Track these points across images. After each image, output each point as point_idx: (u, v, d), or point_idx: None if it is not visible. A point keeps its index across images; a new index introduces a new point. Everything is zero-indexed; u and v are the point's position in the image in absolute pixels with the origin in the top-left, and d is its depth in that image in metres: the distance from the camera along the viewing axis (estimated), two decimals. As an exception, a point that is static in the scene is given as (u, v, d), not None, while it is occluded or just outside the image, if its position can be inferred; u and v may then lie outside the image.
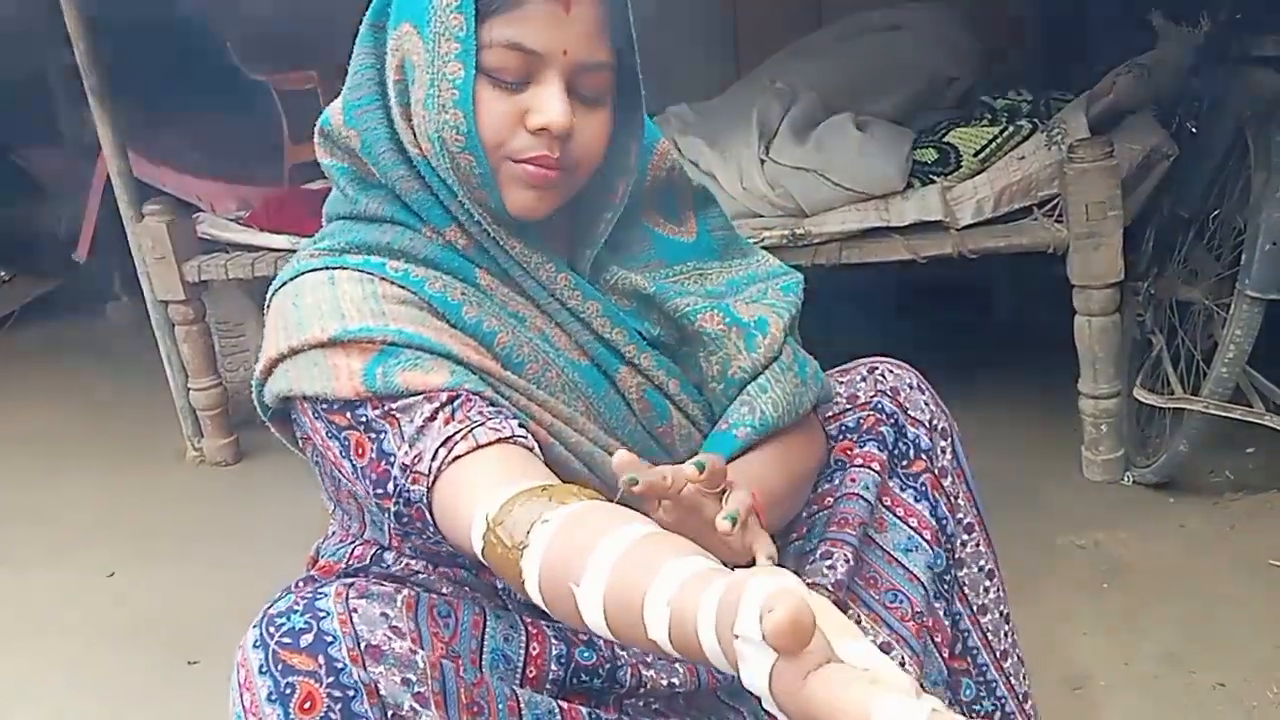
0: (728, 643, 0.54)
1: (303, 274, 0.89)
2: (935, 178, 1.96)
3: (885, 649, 0.99)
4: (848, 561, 1.01)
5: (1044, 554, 1.73)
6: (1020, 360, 2.41)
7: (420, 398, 0.82)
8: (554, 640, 0.90)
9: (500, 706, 0.82)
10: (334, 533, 1.01)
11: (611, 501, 0.73)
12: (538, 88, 0.85)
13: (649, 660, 0.93)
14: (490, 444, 0.80)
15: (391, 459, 0.82)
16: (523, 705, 0.84)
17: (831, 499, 1.04)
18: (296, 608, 0.78)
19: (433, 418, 0.81)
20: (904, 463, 1.05)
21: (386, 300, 0.86)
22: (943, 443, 1.06)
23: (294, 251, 2.17)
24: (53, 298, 3.93)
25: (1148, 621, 1.54)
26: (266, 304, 0.93)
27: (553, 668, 0.88)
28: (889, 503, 1.05)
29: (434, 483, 0.79)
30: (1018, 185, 1.92)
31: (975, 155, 1.95)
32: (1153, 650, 1.48)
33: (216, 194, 2.83)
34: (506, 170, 0.87)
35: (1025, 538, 1.74)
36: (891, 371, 1.08)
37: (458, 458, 0.79)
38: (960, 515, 1.07)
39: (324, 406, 0.84)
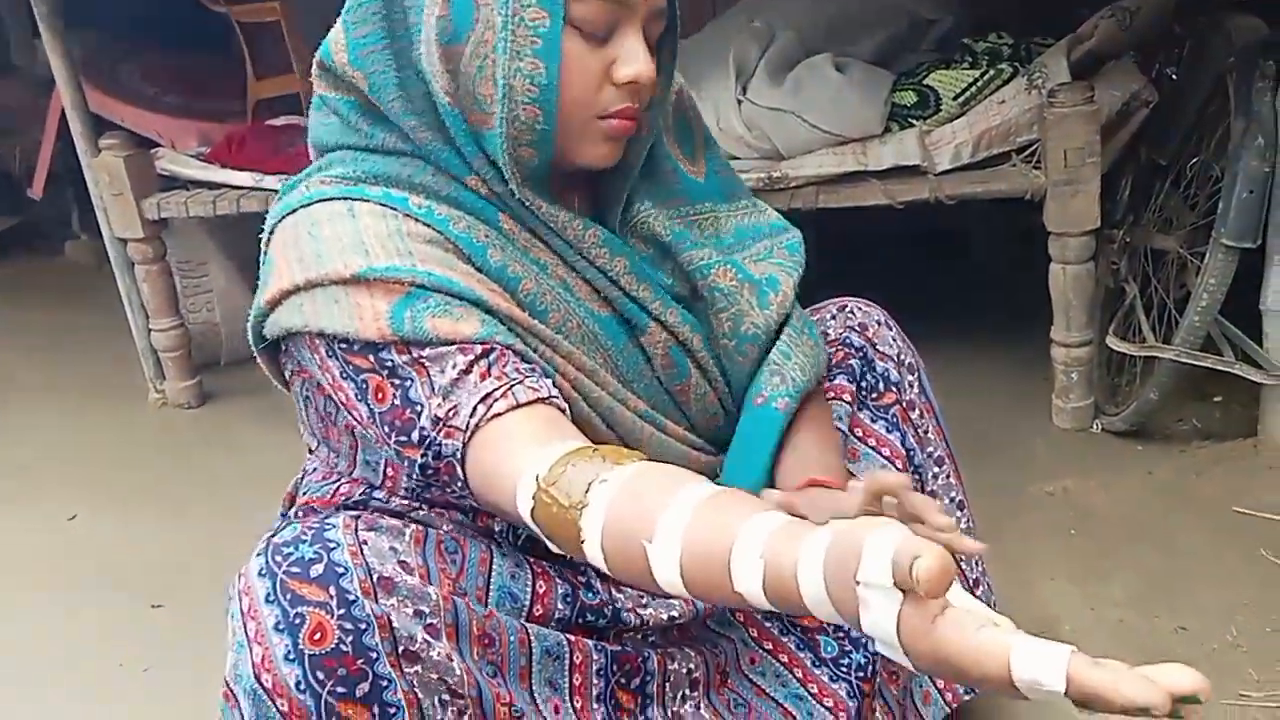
0: (843, 590, 0.56)
1: (316, 202, 0.84)
2: (914, 121, 1.94)
3: None
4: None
5: (1013, 501, 1.75)
6: (992, 308, 2.41)
7: (453, 348, 0.79)
8: (559, 580, 0.89)
9: (511, 638, 0.82)
10: (314, 469, 0.99)
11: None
12: (621, 39, 0.83)
13: (644, 601, 0.94)
14: (529, 403, 0.78)
15: (419, 408, 0.79)
16: (532, 638, 0.84)
17: None
18: (304, 537, 0.76)
19: (468, 370, 0.79)
20: (874, 395, 1.07)
21: (412, 239, 0.82)
22: (910, 377, 1.08)
23: (256, 189, 2.17)
24: (8, 236, 3.83)
25: (1113, 567, 1.56)
26: (268, 229, 0.88)
27: (559, 606, 0.88)
28: (860, 434, 1.07)
29: (470, 439, 0.77)
30: (996, 130, 1.89)
31: (955, 98, 1.92)
32: (1118, 595, 1.49)
33: (177, 130, 2.74)
34: (593, 127, 0.85)
35: (995, 485, 1.74)
36: (860, 309, 1.10)
37: (496, 415, 0.77)
38: (930, 449, 1.08)
39: (342, 346, 0.81)
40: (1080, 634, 1.42)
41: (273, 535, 0.78)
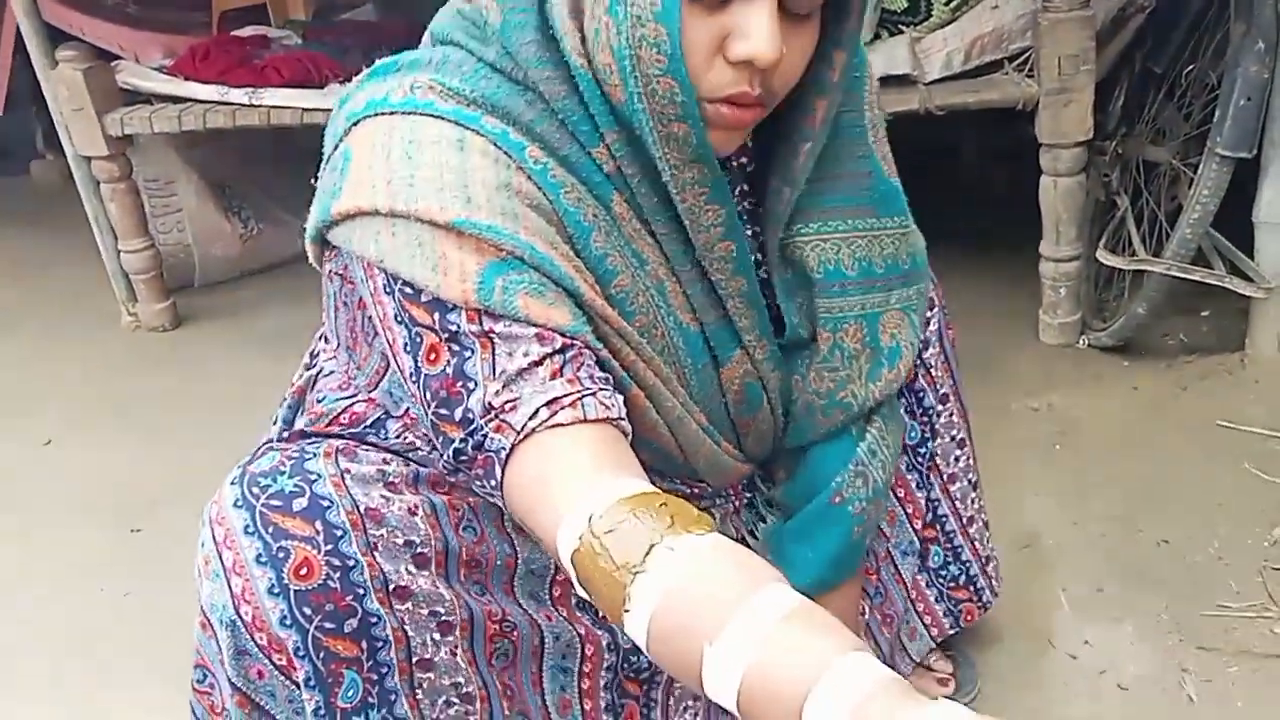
0: None
1: (421, 114, 0.72)
2: (904, 27, 1.87)
3: None
4: None
5: (997, 417, 1.74)
6: (977, 223, 2.37)
7: (531, 332, 0.69)
8: None
9: (499, 562, 0.80)
10: (331, 372, 0.92)
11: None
12: (744, 5, 0.68)
13: None
14: (597, 421, 0.69)
15: (471, 385, 0.69)
16: (519, 561, 0.82)
17: None
18: (283, 468, 0.73)
19: (539, 363, 0.69)
20: None
21: (520, 198, 0.71)
22: (928, 312, 1.02)
23: (222, 103, 2.09)
24: (-30, 157, 3.72)
25: (1097, 481, 1.56)
26: (351, 116, 0.74)
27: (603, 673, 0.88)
28: None
29: (521, 441, 0.68)
30: (989, 37, 1.83)
31: (947, 3, 1.85)
32: (1100, 509, 1.50)
33: (138, 42, 2.64)
34: (699, 111, 0.72)
35: (979, 401, 1.70)
36: None
37: (559, 425, 0.68)
38: (939, 387, 1.05)
39: (406, 291, 0.70)
40: (1061, 548, 1.43)
41: (250, 463, 0.74)
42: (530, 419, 0.68)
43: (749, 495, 0.99)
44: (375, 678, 0.71)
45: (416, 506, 0.76)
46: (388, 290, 0.71)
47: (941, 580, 1.11)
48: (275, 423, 0.95)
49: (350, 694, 0.71)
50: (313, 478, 0.73)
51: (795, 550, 0.92)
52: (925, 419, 1.04)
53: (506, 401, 0.68)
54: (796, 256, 0.85)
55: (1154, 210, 1.84)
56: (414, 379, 0.72)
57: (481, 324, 0.69)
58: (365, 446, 0.81)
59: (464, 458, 0.71)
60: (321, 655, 0.70)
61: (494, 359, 0.69)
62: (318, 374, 0.93)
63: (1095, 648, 1.25)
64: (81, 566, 1.58)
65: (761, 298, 0.85)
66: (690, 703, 0.94)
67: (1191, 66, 1.84)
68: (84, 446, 1.94)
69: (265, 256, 2.64)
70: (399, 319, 0.71)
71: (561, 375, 0.69)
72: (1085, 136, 1.78)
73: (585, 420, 0.69)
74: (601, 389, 0.71)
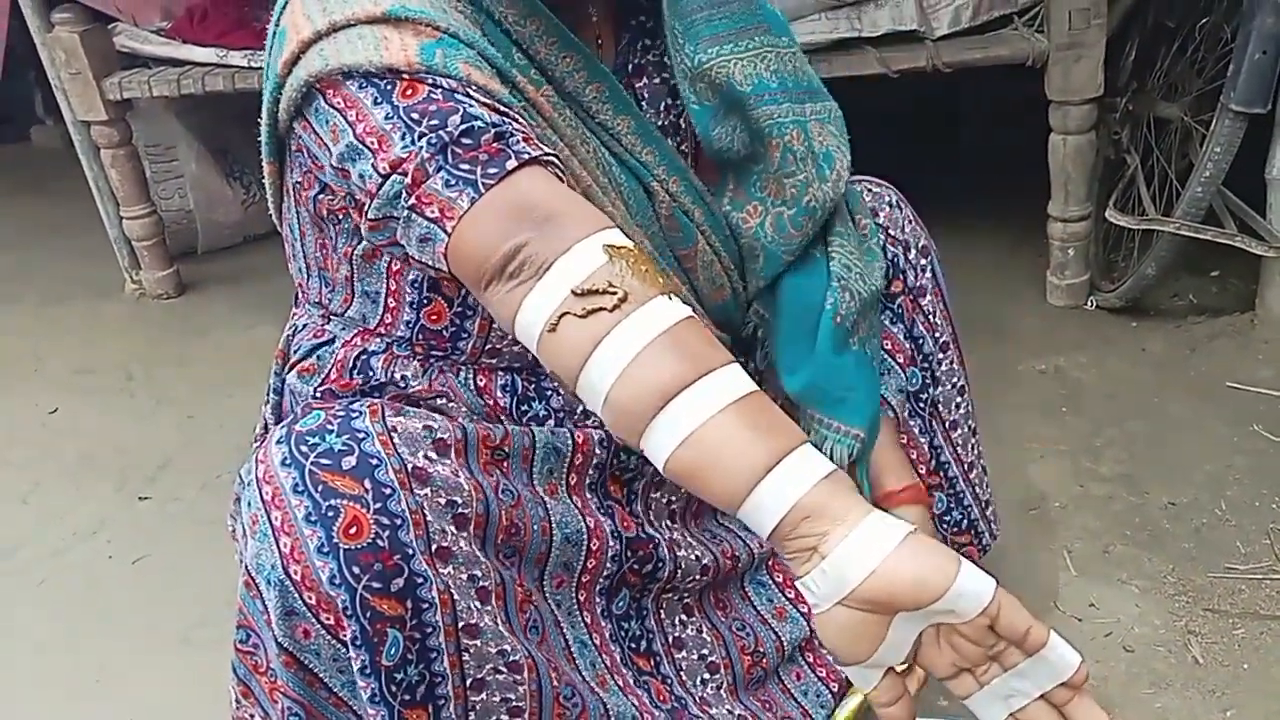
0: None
1: None
2: (911, -17, 1.83)
3: None
4: None
5: (1005, 379, 1.73)
6: (982, 185, 2.35)
7: (478, 92, 0.74)
8: (596, 452, 0.89)
9: (534, 527, 0.81)
10: (304, 325, 0.94)
11: None
12: None
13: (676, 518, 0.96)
14: (550, 160, 0.73)
15: (466, 106, 0.72)
16: (554, 525, 0.83)
17: None
18: (330, 426, 0.72)
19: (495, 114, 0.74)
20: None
21: (450, 2, 0.79)
22: (923, 260, 1.05)
23: (221, 66, 2.07)
24: (-30, 123, 3.69)
25: (1104, 443, 1.55)
26: (280, 3, 0.81)
27: (590, 472, 0.89)
28: None
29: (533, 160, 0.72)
30: (998, -9, 1.79)
31: (955, -42, 1.81)
32: (1107, 472, 1.49)
33: (137, 5, 2.59)
34: None
35: (987, 363, 1.72)
36: (871, 190, 1.06)
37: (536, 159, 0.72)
38: (938, 334, 1.06)
39: (358, 82, 0.74)
40: (1068, 511, 1.42)
41: (294, 422, 0.73)
42: (530, 145, 0.72)
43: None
44: (418, 636, 0.71)
45: (459, 468, 0.76)
46: (360, 88, 0.74)
47: (945, 526, 1.12)
48: (268, 394, 0.97)
49: (393, 651, 0.71)
50: (361, 435, 0.72)
51: (824, 391, 0.95)
52: (925, 365, 1.05)
53: (503, 121, 0.73)
54: (722, 78, 0.90)
55: (1164, 168, 1.81)
56: (393, 117, 0.73)
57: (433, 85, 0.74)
58: (408, 405, 0.81)
59: (455, 152, 0.71)
60: (368, 615, 0.69)
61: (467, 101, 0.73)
62: (292, 333, 0.96)
63: (1101, 609, 1.25)
64: (92, 533, 1.59)
65: (655, 133, 0.90)
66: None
67: (1205, 20, 1.80)
68: (91, 415, 1.94)
69: (267, 222, 2.61)
70: (369, 94, 0.74)
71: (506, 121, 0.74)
72: (1096, 93, 1.75)
73: (542, 160, 0.73)
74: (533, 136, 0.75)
